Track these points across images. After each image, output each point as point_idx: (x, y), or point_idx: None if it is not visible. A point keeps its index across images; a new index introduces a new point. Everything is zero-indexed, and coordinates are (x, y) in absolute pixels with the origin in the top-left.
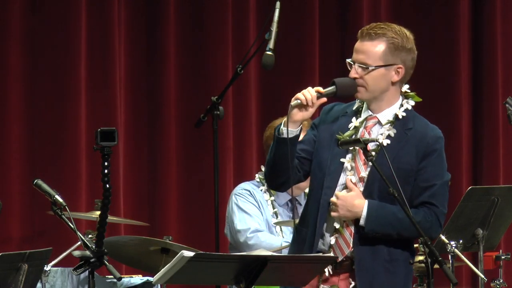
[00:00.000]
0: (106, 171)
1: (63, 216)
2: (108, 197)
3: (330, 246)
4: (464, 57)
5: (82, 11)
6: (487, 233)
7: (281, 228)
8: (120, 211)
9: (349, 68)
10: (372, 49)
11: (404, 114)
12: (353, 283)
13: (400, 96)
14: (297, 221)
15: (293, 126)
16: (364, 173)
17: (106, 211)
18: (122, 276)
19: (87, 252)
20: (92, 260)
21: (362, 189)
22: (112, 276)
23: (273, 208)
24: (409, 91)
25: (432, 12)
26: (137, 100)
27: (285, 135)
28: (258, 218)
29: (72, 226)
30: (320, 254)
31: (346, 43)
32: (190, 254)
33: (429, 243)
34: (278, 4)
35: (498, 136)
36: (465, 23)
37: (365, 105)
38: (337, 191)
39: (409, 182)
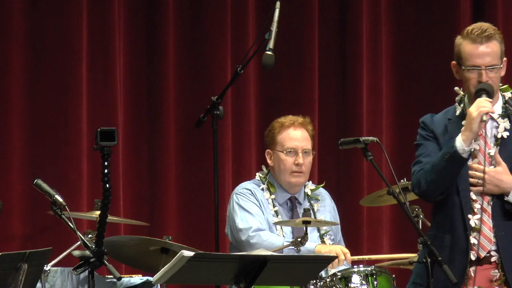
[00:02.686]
0: (106, 170)
1: (63, 216)
2: (108, 197)
3: (470, 246)
4: None
5: (83, 11)
6: None
7: (281, 227)
8: (120, 211)
9: (471, 76)
10: (495, 49)
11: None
12: (497, 272)
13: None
14: (296, 221)
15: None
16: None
17: (106, 211)
18: (121, 276)
19: (87, 252)
20: (92, 260)
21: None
22: (112, 276)
23: (274, 206)
24: (501, 84)
25: (433, 13)
26: (137, 100)
27: (465, 155)
28: (260, 217)
29: (72, 225)
30: (320, 254)
31: (346, 43)
32: (190, 254)
33: (428, 243)
34: (278, 4)
35: None
36: (466, 23)
37: (468, 107)
38: (482, 166)
39: None
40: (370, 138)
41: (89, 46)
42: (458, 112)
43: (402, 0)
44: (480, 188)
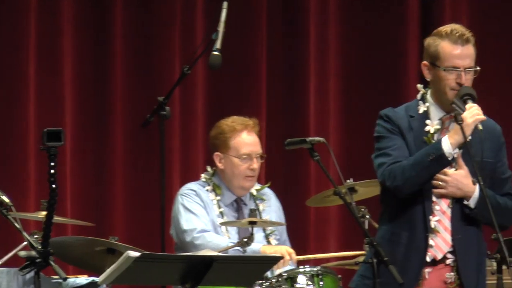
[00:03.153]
0: (52, 171)
1: (8, 216)
2: (54, 197)
3: (426, 248)
4: (413, 55)
5: (31, 12)
6: None
7: (227, 229)
8: (67, 212)
9: (449, 76)
10: (473, 52)
11: None
12: (452, 275)
13: None
14: (242, 221)
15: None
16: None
17: (52, 211)
18: (67, 276)
19: (33, 253)
20: (38, 260)
21: None
22: (57, 277)
23: (219, 208)
24: None
25: (381, 14)
26: (85, 100)
27: (451, 158)
28: (204, 218)
29: (17, 226)
30: (265, 254)
31: (293, 44)
32: (136, 254)
33: (374, 243)
34: (225, 4)
35: None
36: (414, 24)
37: (432, 107)
38: (445, 169)
39: (489, 174)
40: (317, 138)
41: (37, 47)
42: (421, 110)
43: (350, 1)
44: (443, 191)
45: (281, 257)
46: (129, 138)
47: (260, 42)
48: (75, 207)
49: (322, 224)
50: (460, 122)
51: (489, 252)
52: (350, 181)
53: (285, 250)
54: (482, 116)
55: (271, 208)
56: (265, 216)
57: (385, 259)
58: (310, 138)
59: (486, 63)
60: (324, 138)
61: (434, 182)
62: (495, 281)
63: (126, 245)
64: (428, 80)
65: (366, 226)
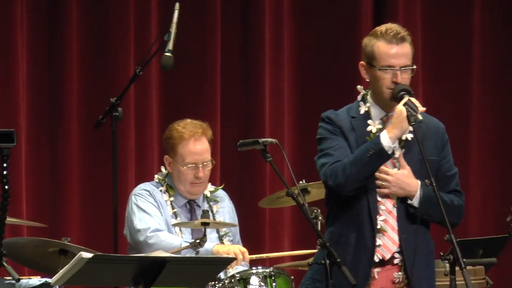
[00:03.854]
0: (5, 172)
1: None
2: (7, 199)
3: (374, 248)
4: None
5: None
6: None
7: (180, 229)
8: (22, 213)
9: (385, 76)
10: (409, 50)
11: None
12: (400, 275)
13: None
14: (195, 222)
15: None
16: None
17: (5, 213)
18: (20, 277)
19: None
20: None
21: None
22: (10, 278)
23: (173, 208)
24: None
25: (335, 14)
26: (39, 101)
27: (390, 152)
28: (158, 218)
29: None
30: (218, 256)
31: (248, 44)
32: (89, 255)
33: (327, 244)
34: (177, 5)
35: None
36: (368, 24)
37: (372, 107)
38: (387, 168)
39: (434, 173)
40: (269, 139)
41: None
42: (362, 111)
43: (304, 1)
44: (386, 190)
45: (234, 258)
46: (84, 139)
47: (215, 43)
48: (31, 208)
49: (276, 225)
50: (413, 123)
51: (442, 254)
52: (302, 183)
53: (238, 249)
54: (420, 108)
55: (225, 209)
56: (219, 218)
57: (338, 260)
58: (263, 139)
59: (440, 63)
60: (279, 139)
61: (378, 182)
62: (447, 283)
63: (78, 246)
64: (367, 80)
65: (319, 227)
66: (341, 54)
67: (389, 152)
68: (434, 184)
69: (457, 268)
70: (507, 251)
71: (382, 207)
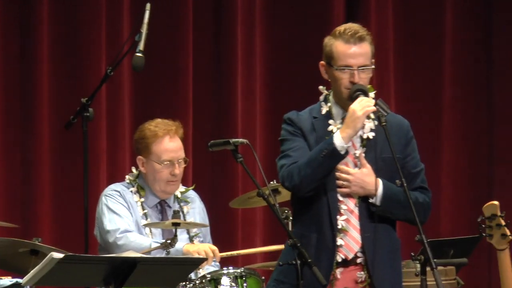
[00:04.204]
0: None
1: None
2: None
3: (337, 247)
4: None
5: None
6: None
7: (150, 230)
8: None
9: (343, 76)
10: (367, 50)
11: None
12: (363, 274)
13: None
14: (166, 222)
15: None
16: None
17: None
18: None
19: None
20: None
21: None
22: None
23: (143, 209)
24: None
25: (306, 14)
26: (10, 101)
27: (343, 152)
28: (128, 219)
29: None
30: (189, 256)
31: (220, 44)
32: (59, 255)
33: (298, 245)
34: (148, 6)
35: None
36: (340, 24)
37: (334, 107)
38: (348, 168)
39: (398, 170)
40: (240, 140)
41: None
42: (324, 111)
43: (276, 2)
44: (346, 190)
45: (205, 259)
46: (55, 139)
47: (187, 43)
48: (1, 208)
49: (249, 225)
50: (384, 123)
51: (412, 254)
52: (273, 183)
53: (208, 247)
54: (372, 108)
55: (195, 210)
56: (189, 218)
57: (309, 260)
58: (234, 140)
59: (411, 63)
60: (251, 139)
61: (338, 182)
62: (418, 283)
63: (49, 246)
64: (328, 80)
65: (290, 228)
66: (313, 55)
67: (342, 153)
68: (405, 184)
69: (428, 269)
70: (478, 251)
71: (343, 206)
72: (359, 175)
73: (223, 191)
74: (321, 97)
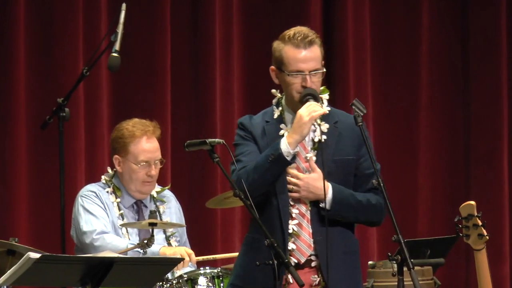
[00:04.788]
0: None
1: None
2: None
3: (289, 252)
4: None
5: None
6: None
7: (127, 230)
8: None
9: (295, 81)
10: (317, 53)
11: (328, 108)
12: (317, 277)
13: None
14: (143, 222)
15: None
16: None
17: None
18: None
19: None
20: None
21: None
22: None
23: (119, 210)
24: None
25: (284, 14)
26: None
27: (290, 158)
28: (104, 220)
29: None
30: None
31: (198, 42)
32: (36, 256)
33: (275, 245)
34: (124, 6)
35: None
36: (317, 24)
37: (286, 111)
38: (297, 172)
39: (351, 172)
40: (217, 140)
41: None
42: (276, 115)
43: (254, 2)
44: (296, 195)
45: (182, 259)
46: (32, 139)
47: (165, 43)
48: None
49: (227, 225)
50: (360, 123)
51: (389, 254)
52: None
53: (184, 251)
54: (318, 112)
55: (171, 210)
56: (166, 218)
57: (286, 261)
58: (210, 140)
59: (388, 63)
60: (229, 139)
61: (288, 186)
62: (395, 283)
63: (26, 246)
64: (279, 84)
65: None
66: None
67: (288, 158)
68: (382, 184)
69: (405, 269)
70: (456, 252)
71: (295, 211)
72: (308, 179)
73: (202, 191)
74: (274, 101)
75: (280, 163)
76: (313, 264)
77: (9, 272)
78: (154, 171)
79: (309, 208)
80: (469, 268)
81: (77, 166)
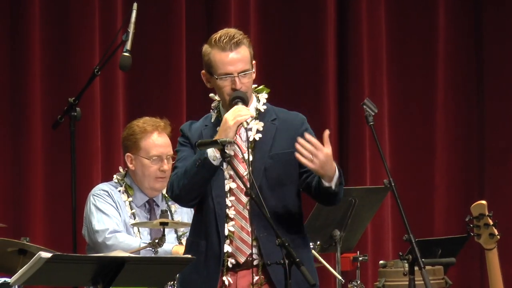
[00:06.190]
0: None
1: None
2: None
3: (225, 253)
4: (331, 58)
5: None
6: (344, 235)
7: (138, 229)
8: None
9: (225, 83)
10: (245, 54)
11: (264, 107)
12: (256, 277)
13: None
14: (154, 222)
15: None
16: (246, 172)
17: None
18: None
19: None
20: None
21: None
22: None
23: (131, 209)
24: (256, 85)
25: (299, 12)
26: (1, 101)
27: (216, 162)
28: (116, 219)
29: None
30: (177, 255)
31: None
32: (48, 255)
33: (286, 244)
34: (135, 5)
35: (365, 137)
36: (332, 23)
37: (222, 114)
38: (320, 145)
39: (292, 164)
40: (228, 139)
41: None
42: (213, 119)
43: (270, 2)
44: (311, 164)
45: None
46: (48, 138)
47: (180, 42)
48: None
49: None
50: (371, 123)
51: (400, 253)
52: None
53: None
54: (244, 117)
55: (183, 209)
56: (177, 217)
57: (297, 260)
58: (221, 139)
59: (404, 63)
60: None
61: (304, 152)
62: (406, 282)
63: (37, 246)
64: (211, 88)
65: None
66: (307, 56)
67: (215, 163)
68: (393, 184)
69: (416, 268)
70: (471, 251)
71: (232, 212)
72: (327, 157)
73: None
74: (213, 105)
75: (207, 167)
76: (255, 262)
77: (20, 271)
78: (167, 166)
79: (247, 207)
80: (484, 268)
81: (93, 165)
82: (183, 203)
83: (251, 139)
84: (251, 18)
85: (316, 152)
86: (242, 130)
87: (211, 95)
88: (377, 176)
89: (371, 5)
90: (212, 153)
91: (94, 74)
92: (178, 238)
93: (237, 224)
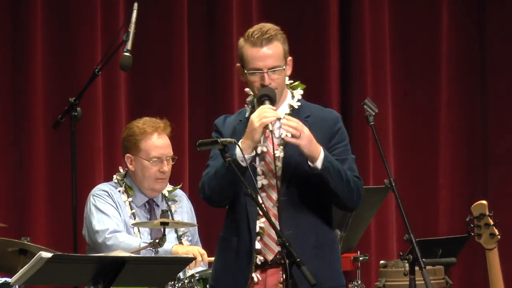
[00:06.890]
0: None
1: None
2: None
3: (256, 251)
4: (334, 58)
5: None
6: (345, 234)
7: (139, 229)
8: None
9: (254, 79)
10: (277, 50)
11: (299, 103)
12: (284, 276)
13: (287, 89)
14: (154, 222)
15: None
16: (279, 172)
17: None
18: None
19: None
20: None
21: (278, 185)
22: None
23: (131, 209)
24: (291, 81)
25: (301, 12)
26: (3, 100)
27: (244, 163)
28: (116, 219)
29: None
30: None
31: (215, 41)
32: (48, 255)
33: (287, 244)
34: (135, 5)
35: (368, 138)
36: (335, 23)
37: (256, 108)
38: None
39: None
40: (228, 139)
41: None
42: (247, 114)
43: (272, 1)
44: (296, 140)
45: (194, 258)
46: (49, 138)
47: (182, 41)
48: None
49: None
50: (372, 123)
51: (401, 253)
52: None
53: (197, 250)
54: (269, 119)
55: (183, 209)
56: (177, 217)
57: (298, 260)
58: (222, 139)
59: (408, 63)
60: None
61: (288, 128)
62: (407, 282)
63: (38, 245)
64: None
65: (279, 227)
66: (309, 55)
67: (243, 164)
68: (393, 184)
69: (416, 268)
70: (472, 250)
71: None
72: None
73: None
74: (248, 99)
75: (236, 169)
76: (282, 260)
77: (21, 271)
78: (167, 167)
79: (277, 204)
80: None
81: (95, 165)
82: (214, 204)
83: (283, 136)
84: (253, 17)
85: (301, 128)
86: (276, 126)
87: (247, 89)
88: (380, 176)
89: (374, 4)
90: (240, 154)
91: (94, 74)
92: (178, 238)
93: (266, 221)
